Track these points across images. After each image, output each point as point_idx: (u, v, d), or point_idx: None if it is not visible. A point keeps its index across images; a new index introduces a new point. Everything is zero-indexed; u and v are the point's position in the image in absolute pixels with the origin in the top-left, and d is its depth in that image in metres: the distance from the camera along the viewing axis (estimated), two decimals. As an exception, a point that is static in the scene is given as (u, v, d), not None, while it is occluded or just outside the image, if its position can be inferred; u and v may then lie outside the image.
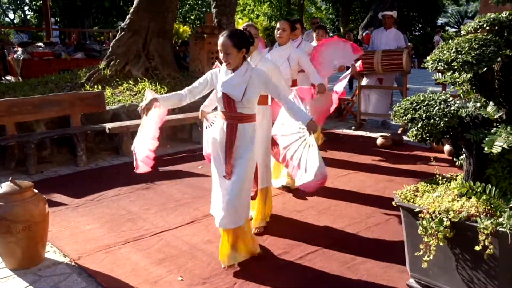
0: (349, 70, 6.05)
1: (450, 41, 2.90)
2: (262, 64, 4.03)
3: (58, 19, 23.63)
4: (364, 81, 8.41)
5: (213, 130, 3.54)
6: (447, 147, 6.27)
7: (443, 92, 3.00)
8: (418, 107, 2.86)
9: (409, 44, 8.39)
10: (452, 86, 3.14)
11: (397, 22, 8.81)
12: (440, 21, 32.08)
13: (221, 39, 3.31)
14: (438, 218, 2.71)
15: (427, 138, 2.85)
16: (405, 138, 7.21)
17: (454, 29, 33.27)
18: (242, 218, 3.41)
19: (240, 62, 3.35)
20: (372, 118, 8.81)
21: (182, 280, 3.30)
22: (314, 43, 6.95)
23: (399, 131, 7.82)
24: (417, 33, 27.40)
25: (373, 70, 7.87)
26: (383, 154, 6.59)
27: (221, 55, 3.34)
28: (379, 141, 7.06)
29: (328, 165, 5.77)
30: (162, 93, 7.82)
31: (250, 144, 3.40)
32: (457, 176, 3.24)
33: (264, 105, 4.06)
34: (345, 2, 26.03)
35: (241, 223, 3.41)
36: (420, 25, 28.18)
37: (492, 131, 2.69)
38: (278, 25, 4.99)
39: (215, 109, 3.64)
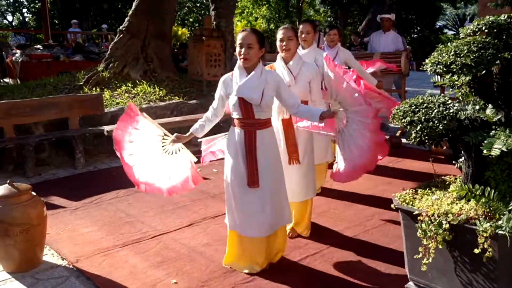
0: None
1: (449, 43, 2.90)
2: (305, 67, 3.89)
3: (56, 22, 23.63)
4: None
5: (229, 141, 3.38)
6: (445, 150, 6.27)
7: (442, 94, 3.00)
8: (417, 109, 2.86)
9: (407, 47, 8.40)
10: (451, 89, 3.14)
11: (395, 25, 8.81)
12: (438, 23, 32.14)
13: (244, 33, 3.16)
14: (437, 221, 2.71)
15: (426, 141, 2.85)
16: (403, 140, 7.22)
17: (452, 32, 33.35)
18: (272, 227, 3.32)
19: (256, 62, 3.19)
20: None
21: (176, 283, 3.28)
22: (326, 48, 5.90)
23: (397, 134, 7.79)
24: (415, 35, 27.45)
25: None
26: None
27: (239, 50, 3.16)
28: (377, 144, 7.05)
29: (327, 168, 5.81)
30: (160, 95, 7.85)
31: (271, 151, 3.30)
32: (456, 178, 3.24)
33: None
34: (344, 5, 26.07)
35: (270, 232, 3.32)
36: (418, 28, 28.22)
37: (491, 133, 2.68)
38: (301, 28, 4.63)
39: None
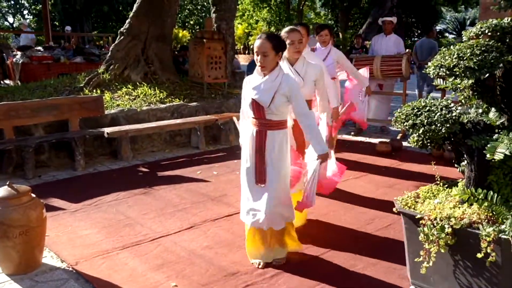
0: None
1: (452, 46, 2.89)
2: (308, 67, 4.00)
3: (57, 24, 23.70)
4: (364, 87, 8.39)
5: (244, 137, 3.54)
6: (446, 153, 6.25)
7: (445, 98, 2.99)
8: (420, 113, 2.85)
9: (407, 50, 8.40)
10: (453, 92, 3.13)
11: (397, 28, 8.83)
12: (439, 27, 32.19)
13: (259, 41, 3.24)
14: (440, 225, 2.69)
15: (428, 144, 2.84)
16: (404, 144, 7.21)
17: (452, 36, 33.41)
18: (282, 221, 3.47)
19: (274, 66, 3.29)
20: (371, 123, 8.80)
21: (176, 286, 3.26)
22: (318, 48, 6.01)
23: (398, 137, 7.81)
24: (416, 39, 27.51)
25: (372, 76, 7.86)
26: (382, 160, 6.57)
27: (256, 57, 3.27)
28: (378, 147, 7.04)
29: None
30: (161, 98, 7.84)
31: (282, 151, 3.39)
32: (458, 182, 3.23)
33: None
34: (344, 8, 26.12)
35: (281, 226, 3.47)
36: (418, 31, 28.29)
37: (494, 137, 2.67)
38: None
39: None
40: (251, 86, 3.35)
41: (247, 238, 3.58)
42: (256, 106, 3.31)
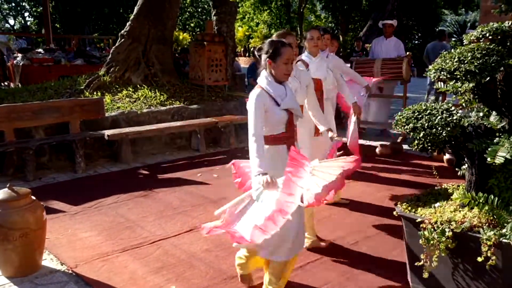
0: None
1: (452, 50, 2.89)
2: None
3: (58, 26, 23.72)
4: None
5: (273, 164, 2.87)
6: (447, 156, 6.25)
7: (445, 101, 2.98)
8: (420, 116, 2.85)
9: (408, 53, 8.38)
10: (454, 96, 3.13)
11: (397, 31, 8.82)
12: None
13: (289, 49, 2.94)
14: (440, 228, 2.69)
15: (429, 148, 2.84)
16: (404, 146, 7.21)
17: (453, 39, 33.43)
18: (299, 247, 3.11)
19: None
20: (371, 126, 8.79)
21: (178, 289, 3.27)
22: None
23: (398, 140, 7.80)
24: (416, 41, 27.54)
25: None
26: (382, 163, 6.56)
27: (286, 67, 2.92)
28: (378, 150, 7.04)
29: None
30: (161, 100, 7.84)
31: None
32: (458, 186, 3.22)
33: None
34: (345, 11, 26.14)
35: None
36: (419, 34, 28.31)
37: (494, 141, 2.67)
38: (313, 34, 4.51)
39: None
40: (278, 97, 2.92)
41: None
42: (291, 118, 2.96)
